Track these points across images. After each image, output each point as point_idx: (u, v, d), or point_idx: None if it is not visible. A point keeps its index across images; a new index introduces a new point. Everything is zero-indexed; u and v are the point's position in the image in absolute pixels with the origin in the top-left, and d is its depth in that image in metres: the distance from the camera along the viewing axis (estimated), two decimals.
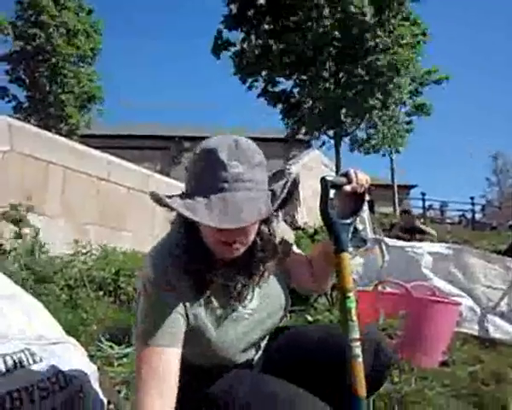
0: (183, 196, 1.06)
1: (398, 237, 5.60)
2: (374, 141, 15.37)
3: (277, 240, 1.22)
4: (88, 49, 17.28)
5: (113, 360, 2.10)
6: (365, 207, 3.93)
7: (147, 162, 16.63)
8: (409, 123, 16.69)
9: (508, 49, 79.08)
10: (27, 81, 17.11)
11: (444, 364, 2.48)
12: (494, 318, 3.22)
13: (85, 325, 2.65)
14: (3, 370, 1.20)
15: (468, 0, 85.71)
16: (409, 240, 5.32)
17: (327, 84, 14.27)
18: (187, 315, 1.09)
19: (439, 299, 2.62)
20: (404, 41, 13.78)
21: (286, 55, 14.19)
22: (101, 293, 3.45)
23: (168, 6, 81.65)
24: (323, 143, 15.89)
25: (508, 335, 3.14)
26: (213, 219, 0.97)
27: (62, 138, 6.13)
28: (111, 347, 2.23)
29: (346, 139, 15.54)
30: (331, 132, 15.10)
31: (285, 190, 1.06)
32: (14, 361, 1.24)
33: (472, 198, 20.35)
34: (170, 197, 1.04)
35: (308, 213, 9.55)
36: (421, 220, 10.76)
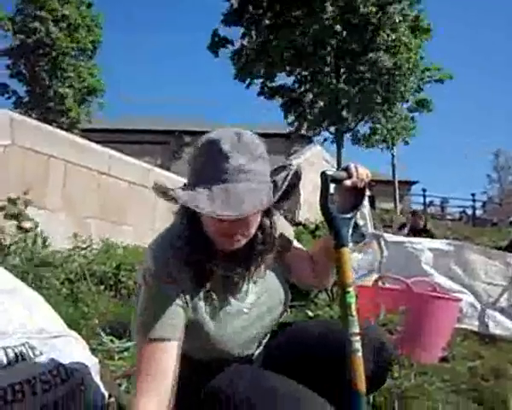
0: (185, 187, 1.06)
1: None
2: (377, 136, 15.28)
3: (277, 234, 1.22)
4: (88, 43, 17.22)
5: (113, 353, 2.10)
6: (366, 202, 3.93)
7: (147, 157, 16.59)
8: (411, 119, 16.64)
9: (508, 48, 78.78)
10: (28, 75, 17.07)
11: (444, 359, 2.48)
12: (494, 314, 3.23)
13: (86, 318, 2.66)
14: (5, 362, 1.20)
15: None
16: None
17: (328, 80, 14.23)
18: (187, 308, 1.10)
19: (439, 295, 2.62)
20: (406, 39, 13.73)
21: (286, 50, 14.14)
22: (102, 287, 3.45)
23: (169, 0, 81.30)
24: (325, 140, 15.88)
25: (508, 331, 3.14)
26: (215, 209, 0.97)
27: (63, 132, 6.12)
28: (112, 340, 2.23)
29: (348, 135, 15.51)
30: (332, 129, 15.08)
31: (286, 182, 1.06)
32: (16, 354, 1.25)
33: (473, 195, 20.36)
34: (172, 190, 1.04)
35: (309, 209, 9.54)
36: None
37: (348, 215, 1.17)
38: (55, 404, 1.27)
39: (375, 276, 3.09)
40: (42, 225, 4.32)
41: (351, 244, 1.18)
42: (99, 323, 2.56)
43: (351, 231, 1.16)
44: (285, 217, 1.42)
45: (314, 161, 12.42)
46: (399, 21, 13.66)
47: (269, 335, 1.30)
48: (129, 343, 2.17)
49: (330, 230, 1.15)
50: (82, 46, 17.17)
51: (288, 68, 14.88)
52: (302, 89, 15.15)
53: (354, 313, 1.08)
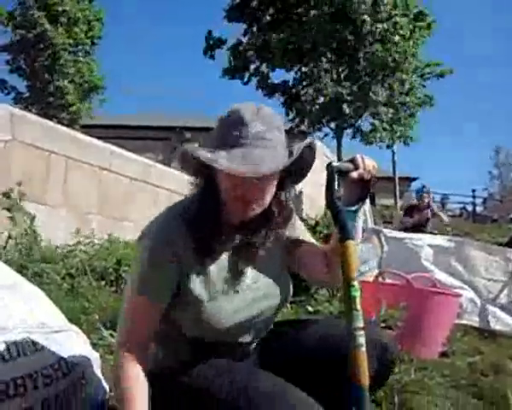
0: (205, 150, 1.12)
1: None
2: (378, 134, 15.20)
3: (292, 218, 1.28)
4: (85, 38, 17.14)
5: (114, 348, 2.11)
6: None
7: (148, 153, 16.56)
8: (412, 115, 16.57)
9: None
10: (28, 70, 17.02)
11: (444, 355, 2.49)
12: (494, 309, 3.23)
13: (87, 313, 2.67)
14: (7, 357, 1.21)
15: None
16: None
17: (328, 76, 14.19)
18: (182, 274, 1.14)
19: (439, 290, 2.63)
20: (403, 32, 13.67)
21: (287, 46, 14.09)
22: (102, 282, 3.46)
23: None
24: (326, 135, 15.83)
25: (508, 326, 3.15)
26: (233, 166, 1.03)
27: (64, 128, 6.12)
28: (112, 335, 2.24)
29: (349, 131, 15.46)
30: (333, 125, 15.03)
31: (300, 150, 1.12)
32: (18, 349, 1.25)
33: (473, 191, 20.33)
34: (195, 148, 1.11)
35: (311, 205, 9.54)
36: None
37: (353, 208, 1.15)
38: (56, 398, 1.28)
39: (371, 270, 3.11)
40: (43, 221, 4.33)
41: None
42: (100, 318, 2.57)
43: (357, 223, 1.16)
44: None
45: None
46: (396, 15, 13.61)
47: (267, 330, 1.30)
48: None
49: (335, 222, 1.14)
50: (79, 42, 17.09)
51: (288, 64, 14.82)
52: (302, 85, 15.10)
53: (359, 307, 1.06)
